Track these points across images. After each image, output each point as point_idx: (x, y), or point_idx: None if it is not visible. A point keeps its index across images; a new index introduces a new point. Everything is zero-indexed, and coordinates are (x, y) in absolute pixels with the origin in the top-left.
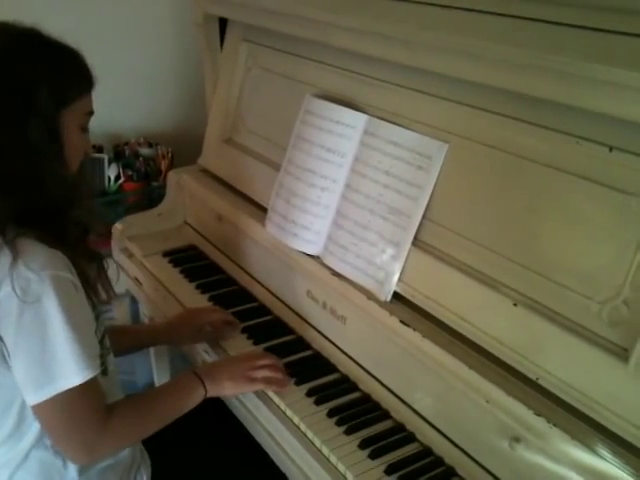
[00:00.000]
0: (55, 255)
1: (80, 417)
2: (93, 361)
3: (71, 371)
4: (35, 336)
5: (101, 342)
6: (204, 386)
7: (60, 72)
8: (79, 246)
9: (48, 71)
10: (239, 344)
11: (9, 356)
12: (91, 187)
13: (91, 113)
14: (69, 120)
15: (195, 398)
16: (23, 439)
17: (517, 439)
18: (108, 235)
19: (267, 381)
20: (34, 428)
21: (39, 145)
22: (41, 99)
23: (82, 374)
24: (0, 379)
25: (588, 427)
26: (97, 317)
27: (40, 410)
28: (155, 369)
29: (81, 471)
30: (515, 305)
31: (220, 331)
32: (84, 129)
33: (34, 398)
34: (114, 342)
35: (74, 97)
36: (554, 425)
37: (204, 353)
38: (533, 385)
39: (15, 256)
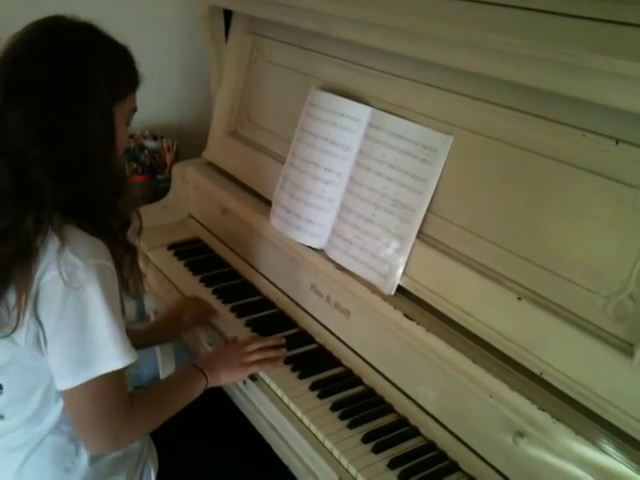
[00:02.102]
0: (99, 244)
1: (109, 404)
2: (131, 348)
3: (111, 356)
4: (76, 321)
5: None
6: (205, 377)
7: (116, 68)
8: (118, 238)
9: (107, 66)
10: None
11: (45, 341)
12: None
13: (135, 110)
14: (119, 114)
15: (199, 388)
16: (42, 423)
17: (521, 434)
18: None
19: (259, 363)
20: (53, 413)
21: (96, 135)
22: (100, 92)
23: (123, 359)
24: (30, 362)
25: (592, 422)
26: (122, 311)
27: (72, 395)
28: (160, 362)
29: (92, 460)
30: (519, 299)
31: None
32: (127, 124)
33: (69, 382)
34: None
35: (126, 93)
36: (558, 420)
37: (208, 346)
38: (537, 380)
39: (63, 242)
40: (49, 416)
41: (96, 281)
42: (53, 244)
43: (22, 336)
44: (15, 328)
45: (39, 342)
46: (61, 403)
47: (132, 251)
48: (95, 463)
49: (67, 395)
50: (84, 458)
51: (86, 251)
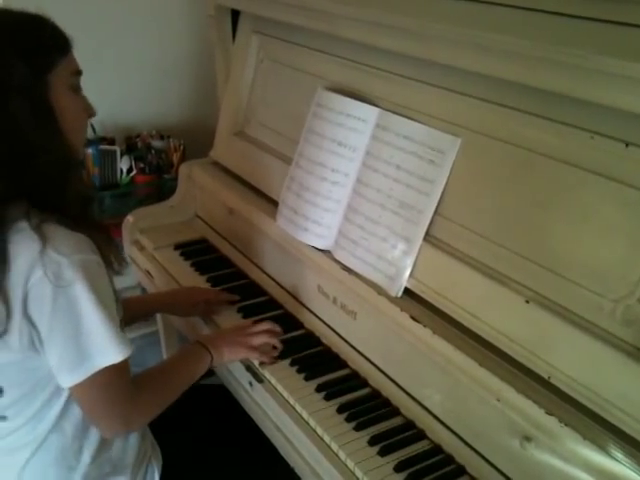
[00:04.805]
0: (80, 238)
1: (117, 392)
2: (125, 339)
3: (107, 350)
4: (69, 319)
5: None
6: (210, 353)
7: (30, 41)
8: (86, 216)
9: (17, 43)
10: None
11: (40, 342)
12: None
13: (79, 72)
14: (57, 84)
15: (204, 365)
16: (43, 421)
17: (528, 438)
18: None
19: (262, 350)
20: (54, 411)
21: (23, 119)
22: (16, 72)
23: (122, 353)
24: (28, 363)
25: (600, 427)
26: (116, 300)
27: (79, 390)
28: (165, 356)
29: (94, 457)
30: (527, 302)
31: (212, 309)
32: (76, 89)
33: (72, 379)
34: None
35: (53, 61)
36: (565, 425)
37: None
38: (544, 384)
39: (44, 242)
40: (50, 413)
41: (83, 277)
42: (33, 244)
43: (15, 339)
44: (5, 332)
45: (34, 343)
46: (62, 400)
47: (102, 227)
48: (97, 461)
49: (75, 391)
50: (87, 456)
51: (69, 248)
